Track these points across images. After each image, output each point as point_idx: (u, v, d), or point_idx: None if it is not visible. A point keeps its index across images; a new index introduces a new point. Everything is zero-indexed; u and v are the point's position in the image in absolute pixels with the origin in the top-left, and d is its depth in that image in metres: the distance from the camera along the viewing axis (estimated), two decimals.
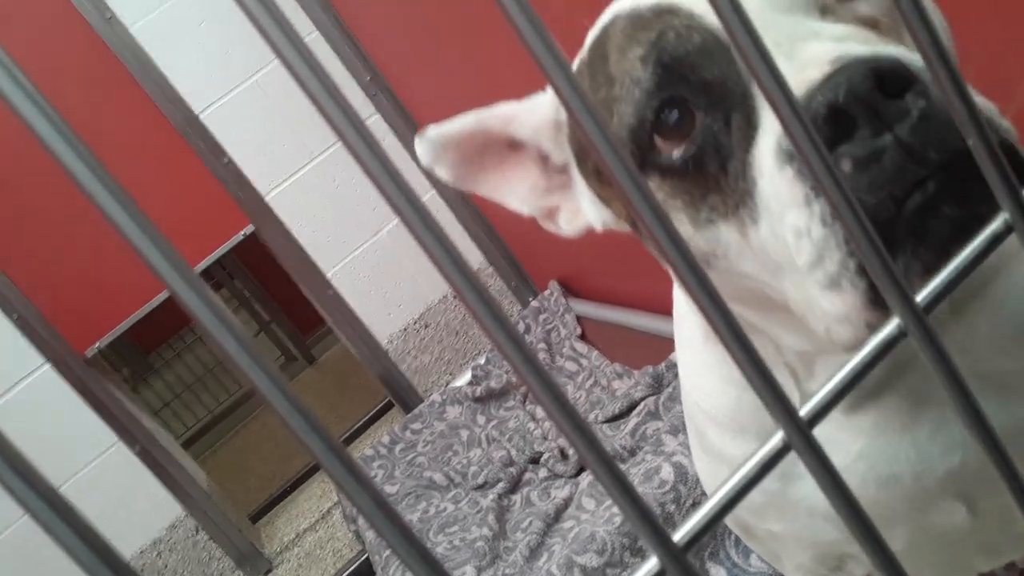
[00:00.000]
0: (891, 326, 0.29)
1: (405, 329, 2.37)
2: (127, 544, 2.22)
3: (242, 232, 2.25)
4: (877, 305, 0.37)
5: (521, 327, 2.10)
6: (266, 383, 0.21)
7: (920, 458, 0.49)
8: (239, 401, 3.80)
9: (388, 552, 1.57)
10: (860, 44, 0.39)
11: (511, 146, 0.58)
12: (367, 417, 2.79)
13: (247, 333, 0.21)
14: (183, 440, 3.34)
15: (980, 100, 0.37)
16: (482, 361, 2.17)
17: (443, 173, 0.57)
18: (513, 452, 1.75)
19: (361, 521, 1.76)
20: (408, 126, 2.20)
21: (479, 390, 2.02)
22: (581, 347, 1.94)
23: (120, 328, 2.22)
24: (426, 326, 2.39)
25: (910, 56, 0.37)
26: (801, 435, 0.27)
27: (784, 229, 0.39)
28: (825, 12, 0.43)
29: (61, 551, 0.18)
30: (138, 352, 4.05)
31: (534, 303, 2.15)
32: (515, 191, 0.59)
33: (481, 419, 1.98)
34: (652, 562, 0.26)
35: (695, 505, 1.23)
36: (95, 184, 0.20)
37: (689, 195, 0.45)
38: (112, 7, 2.03)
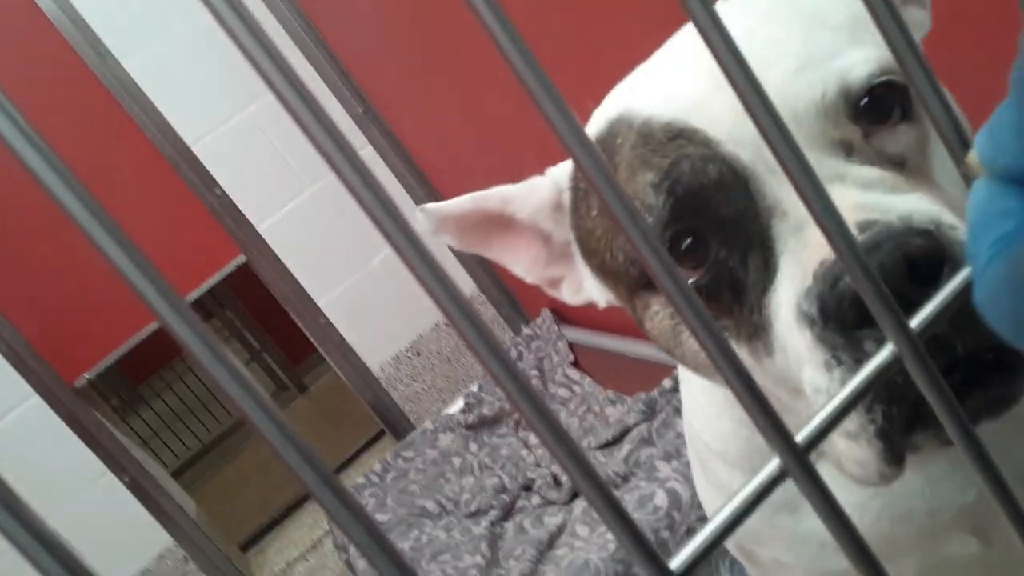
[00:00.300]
0: (883, 354, 0.29)
1: (397, 357, 2.37)
2: (116, 574, 2.19)
3: (233, 262, 2.25)
4: (892, 462, 0.37)
5: (513, 354, 2.09)
6: (257, 413, 0.21)
7: (935, 495, 0.49)
8: (229, 431, 3.77)
9: None
10: (888, 193, 0.38)
11: (511, 223, 0.57)
12: (359, 446, 2.78)
13: (238, 363, 0.21)
14: (173, 470, 3.30)
15: (928, 207, 0.37)
16: (474, 388, 2.16)
17: (447, 241, 0.57)
18: (506, 479, 1.74)
19: (352, 550, 1.74)
20: (400, 157, 2.21)
21: (471, 417, 2.01)
22: (574, 374, 1.94)
23: (109, 358, 2.21)
24: (418, 354, 2.39)
25: (943, 219, 0.36)
26: (798, 461, 0.27)
27: (801, 377, 0.39)
28: (851, 151, 0.41)
29: None
30: (128, 383, 4.02)
31: (526, 330, 2.15)
32: (519, 261, 0.59)
33: (473, 446, 1.97)
34: None
35: (690, 531, 1.23)
36: (85, 215, 0.20)
37: None
38: (105, 42, 2.04)
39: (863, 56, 0.41)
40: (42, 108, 2.01)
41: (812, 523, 0.53)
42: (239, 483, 3.23)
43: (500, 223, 0.57)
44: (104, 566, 2.17)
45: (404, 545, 1.67)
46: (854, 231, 0.34)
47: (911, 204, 0.37)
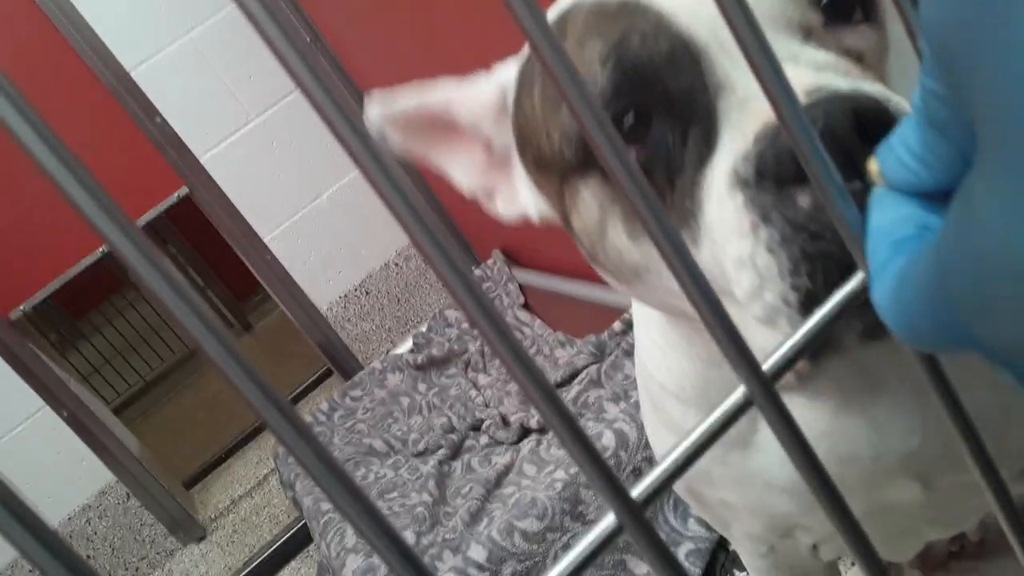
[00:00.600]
0: (854, 281, 0.29)
1: (345, 296, 2.34)
2: (54, 510, 2.17)
3: (175, 194, 2.18)
4: (799, 298, 0.36)
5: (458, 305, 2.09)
6: (212, 343, 0.20)
7: (880, 439, 0.49)
8: (172, 367, 3.72)
9: (326, 518, 1.56)
10: (840, 77, 0.37)
11: (453, 127, 0.55)
12: (305, 385, 2.76)
13: (192, 292, 0.19)
14: (114, 406, 3.25)
15: (880, 88, 0.36)
16: (424, 329, 2.16)
17: (392, 142, 0.56)
18: (454, 419, 1.75)
19: (299, 487, 1.74)
20: (350, 89, 2.16)
21: (420, 358, 2.01)
22: (524, 316, 1.94)
23: (46, 290, 2.14)
24: (367, 293, 2.36)
25: (893, 99, 0.35)
26: (763, 389, 0.27)
27: (725, 258, 0.37)
28: (808, 36, 0.40)
29: None
30: (67, 317, 3.92)
31: (477, 272, 2.14)
32: (458, 165, 0.58)
33: (422, 387, 1.97)
34: (609, 519, 0.25)
35: (636, 471, 1.25)
36: (27, 132, 0.18)
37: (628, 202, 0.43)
38: None
39: None
40: None
41: (760, 461, 0.53)
42: (183, 420, 3.20)
43: (442, 126, 0.56)
44: (43, 502, 2.14)
45: None
46: (802, 98, 0.34)
47: (863, 83, 0.36)
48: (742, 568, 1.16)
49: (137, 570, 2.29)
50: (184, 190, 2.17)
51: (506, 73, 0.52)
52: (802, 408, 0.50)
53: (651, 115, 0.41)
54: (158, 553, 2.31)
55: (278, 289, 2.27)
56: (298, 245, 2.26)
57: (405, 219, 0.22)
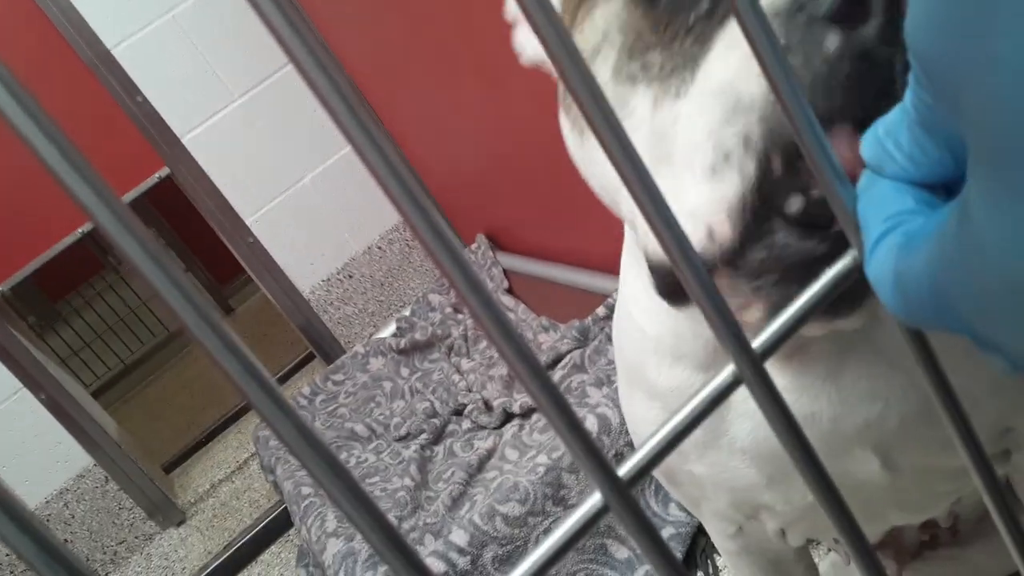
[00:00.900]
0: (846, 259, 0.28)
1: (328, 279, 2.33)
2: (32, 493, 2.15)
3: (156, 175, 2.15)
4: (738, 218, 0.35)
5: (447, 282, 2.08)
6: (197, 321, 0.19)
7: (841, 400, 0.48)
8: (152, 351, 3.70)
9: (307, 502, 1.55)
10: None
11: None
12: (287, 368, 2.75)
13: (178, 269, 0.19)
14: (93, 390, 3.23)
15: None
16: (407, 313, 2.15)
17: None
18: (437, 404, 1.74)
19: (279, 471, 1.73)
20: (337, 67, 2.13)
21: (403, 342, 2.00)
22: (508, 301, 1.94)
23: (25, 270, 2.11)
24: (350, 276, 2.35)
25: None
26: (753, 368, 0.27)
27: (708, 103, 0.35)
28: None
29: None
30: (45, 299, 3.89)
31: None
32: None
33: (405, 371, 1.97)
34: (595, 498, 0.25)
35: (618, 456, 1.25)
36: (9, 102, 0.17)
37: (637, 35, 0.40)
38: None
39: None
40: None
41: (730, 424, 0.52)
42: (162, 404, 3.18)
43: None
44: (20, 485, 2.12)
45: None
46: None
47: None
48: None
49: (115, 554, 2.28)
50: (165, 171, 2.14)
51: None
52: (769, 365, 0.49)
53: None
54: (137, 537, 2.29)
55: (260, 272, 2.25)
56: (280, 228, 2.24)
57: (395, 193, 0.21)
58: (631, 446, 1.25)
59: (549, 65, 0.49)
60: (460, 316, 2.02)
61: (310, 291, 2.30)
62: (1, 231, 2.07)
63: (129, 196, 2.13)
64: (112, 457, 2.20)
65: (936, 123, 0.22)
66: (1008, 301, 0.19)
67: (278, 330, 2.60)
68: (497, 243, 2.10)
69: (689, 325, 0.51)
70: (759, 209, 0.35)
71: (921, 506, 0.60)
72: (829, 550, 0.93)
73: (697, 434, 0.54)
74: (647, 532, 0.25)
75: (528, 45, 0.53)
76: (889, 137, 0.25)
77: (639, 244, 0.43)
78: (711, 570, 1.19)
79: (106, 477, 2.21)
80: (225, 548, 2.01)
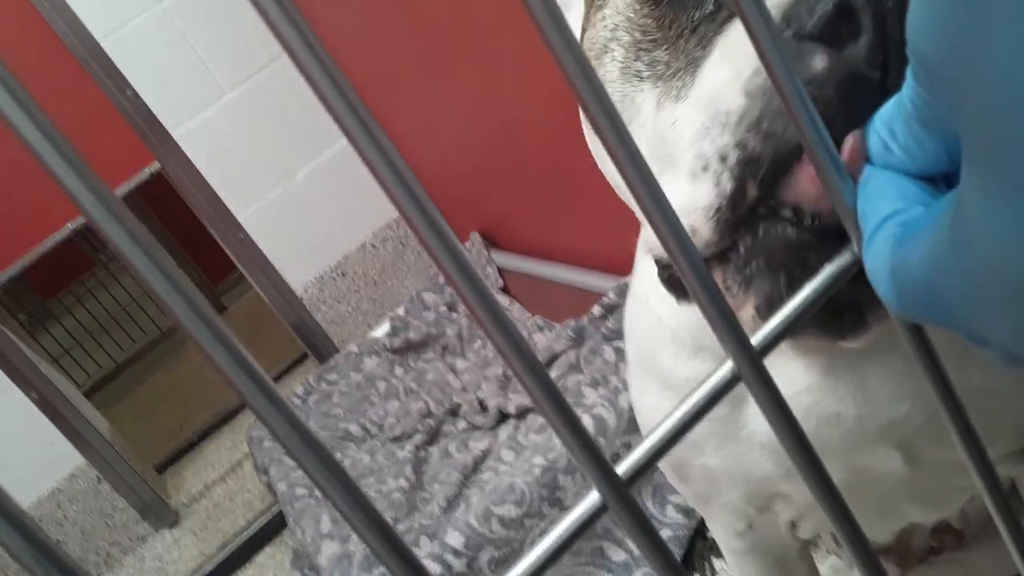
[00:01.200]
0: (844, 257, 0.28)
1: (321, 277, 2.32)
2: (23, 493, 2.13)
3: (147, 170, 2.14)
4: (723, 220, 0.35)
5: (442, 279, 2.07)
6: (191, 317, 0.19)
7: (866, 401, 0.48)
8: (144, 349, 3.68)
9: (301, 503, 1.54)
10: None
11: None
12: (280, 369, 2.74)
13: (172, 264, 0.18)
14: (85, 389, 3.21)
15: None
16: (401, 312, 2.14)
17: None
18: (431, 404, 1.74)
19: (273, 472, 1.72)
20: (331, 63, 2.12)
21: (397, 341, 1.99)
22: (503, 300, 1.93)
23: (15, 267, 2.10)
24: (343, 275, 2.34)
25: None
26: (752, 365, 0.26)
27: (702, 106, 0.36)
28: None
29: None
30: (36, 298, 3.87)
31: None
32: None
33: (399, 371, 1.96)
34: (593, 497, 0.25)
35: (615, 458, 1.24)
36: (2, 95, 0.17)
37: (643, 33, 0.40)
38: None
39: None
40: None
41: (747, 416, 0.52)
42: (155, 403, 3.16)
43: None
44: (12, 485, 2.11)
45: None
46: None
47: None
48: (720, 555, 1.17)
49: (108, 555, 2.27)
50: (155, 166, 2.13)
51: None
52: (792, 361, 0.49)
53: None
54: (129, 538, 2.28)
55: (252, 270, 2.24)
56: (273, 224, 2.23)
57: (392, 187, 0.20)
58: (629, 447, 1.24)
59: None
60: (455, 315, 2.01)
61: (303, 289, 2.29)
62: None
63: (119, 191, 2.12)
64: (105, 457, 2.19)
65: (932, 118, 0.22)
66: (1000, 296, 0.19)
67: (271, 329, 2.59)
68: (491, 241, 2.09)
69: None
70: (739, 212, 0.35)
71: (938, 501, 0.60)
72: (829, 553, 0.93)
73: (713, 427, 0.53)
74: (646, 531, 0.24)
75: None
76: (885, 128, 0.25)
77: (644, 239, 0.43)
78: (708, 573, 1.19)
79: (98, 477, 2.20)
80: (219, 550, 2.00)
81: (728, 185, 0.35)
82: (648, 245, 0.44)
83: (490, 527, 1.21)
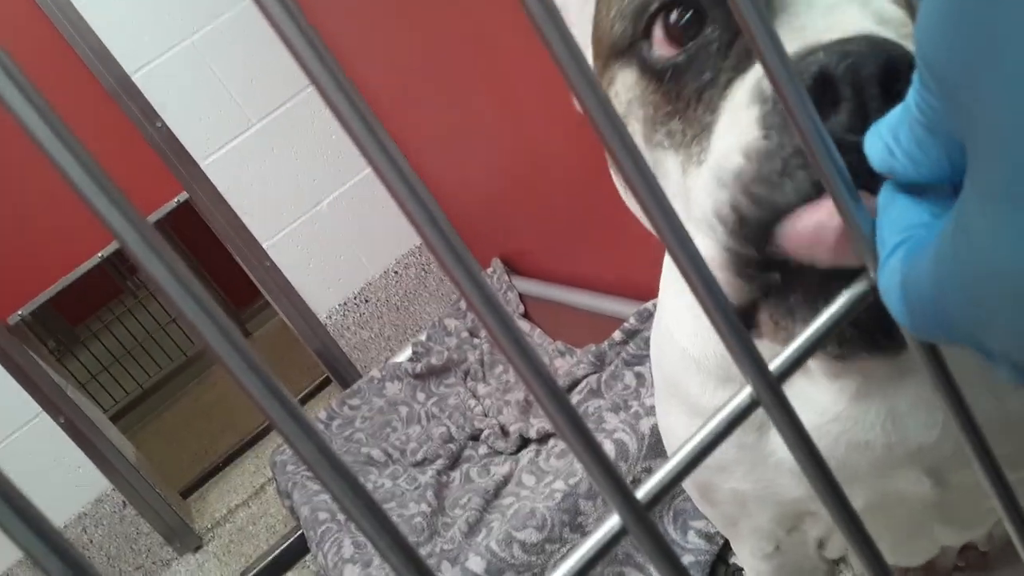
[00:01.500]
0: (861, 284, 0.29)
1: (344, 304, 2.34)
2: (50, 518, 2.15)
3: (175, 200, 2.18)
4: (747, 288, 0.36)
5: (463, 305, 2.08)
6: (221, 342, 0.20)
7: (896, 429, 0.48)
8: (170, 375, 3.71)
9: (323, 528, 1.55)
10: (902, 38, 0.35)
11: None
12: (304, 394, 2.75)
13: (202, 289, 0.19)
14: (111, 414, 3.24)
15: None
16: (423, 337, 2.15)
17: None
18: (453, 429, 1.74)
19: (296, 496, 1.73)
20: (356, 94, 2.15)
21: (419, 366, 2.00)
22: (524, 325, 1.94)
23: (45, 295, 2.13)
24: (366, 301, 2.36)
25: None
26: (770, 390, 0.27)
27: (713, 169, 0.37)
28: None
29: None
30: (65, 323, 3.92)
31: None
32: None
33: (421, 396, 1.96)
34: (614, 521, 0.25)
35: (635, 483, 1.24)
36: (39, 125, 0.18)
37: (655, 108, 0.42)
38: None
39: None
40: None
41: (774, 442, 0.52)
42: (180, 429, 3.18)
43: None
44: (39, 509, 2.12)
45: None
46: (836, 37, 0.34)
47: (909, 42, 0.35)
48: None
49: None
50: (184, 195, 2.17)
51: None
52: (822, 389, 0.49)
53: (707, 14, 0.39)
54: (154, 563, 2.29)
55: (277, 296, 2.26)
56: (297, 252, 2.26)
57: (415, 216, 0.21)
58: (650, 472, 1.24)
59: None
60: (476, 340, 2.02)
61: (327, 315, 2.31)
62: (21, 256, 2.10)
63: (150, 220, 2.15)
64: (130, 482, 2.20)
65: (937, 125, 0.22)
66: (1001, 300, 0.19)
67: (295, 354, 2.61)
68: (512, 267, 2.10)
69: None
70: (749, 263, 0.36)
71: (966, 522, 0.59)
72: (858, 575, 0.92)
73: (741, 453, 0.53)
74: (666, 556, 0.25)
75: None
76: (890, 134, 0.25)
77: (667, 269, 0.44)
78: None
79: (124, 502, 2.22)
80: (242, 574, 2.01)
81: (728, 241, 0.36)
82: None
83: (511, 552, 1.21)
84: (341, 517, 1.53)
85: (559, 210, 1.72)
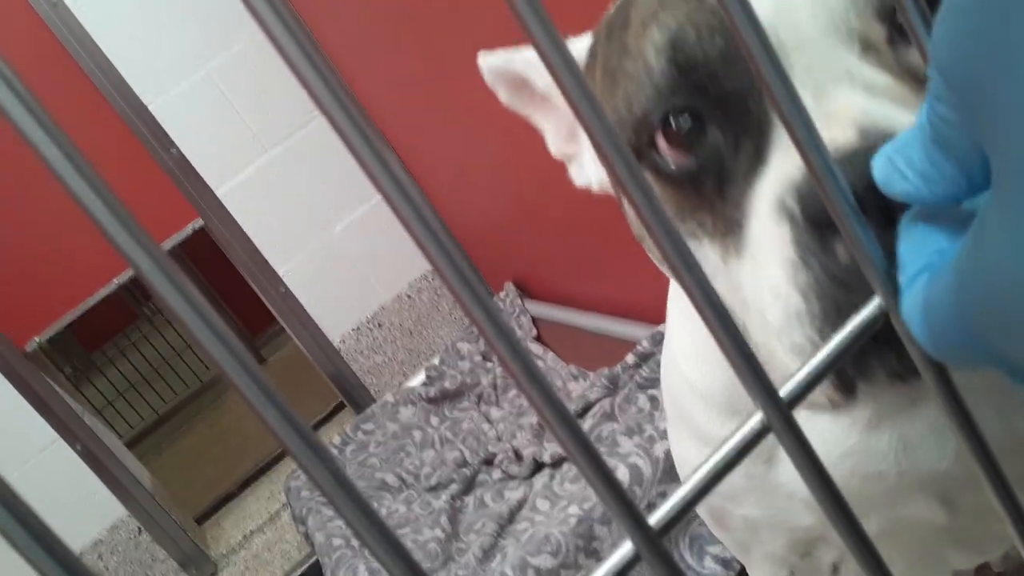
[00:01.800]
0: (871, 307, 0.29)
1: (358, 328, 2.34)
2: (67, 544, 2.15)
3: (190, 226, 2.20)
4: (843, 390, 0.36)
5: (475, 329, 2.08)
6: (236, 368, 0.20)
7: (908, 457, 0.48)
8: (186, 401, 3.72)
9: (338, 554, 1.54)
10: (895, 106, 0.36)
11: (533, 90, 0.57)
12: (318, 419, 2.75)
13: (216, 316, 0.19)
14: (127, 440, 3.25)
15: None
16: (436, 362, 2.15)
17: (500, 95, 0.58)
18: (467, 453, 1.74)
19: (311, 522, 1.73)
20: (363, 116, 2.17)
21: (433, 391, 2.00)
22: (536, 348, 1.93)
23: (62, 321, 2.15)
24: (379, 325, 2.36)
25: None
26: (781, 416, 0.27)
27: (763, 279, 0.37)
28: (867, 49, 0.38)
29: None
30: (81, 350, 3.94)
31: None
32: (550, 127, 0.59)
33: (434, 420, 1.96)
34: (627, 547, 0.25)
35: (650, 507, 1.23)
36: (55, 154, 0.18)
37: (678, 205, 0.42)
38: None
39: None
40: None
41: (784, 474, 0.52)
42: (195, 455, 3.19)
43: (528, 90, 0.57)
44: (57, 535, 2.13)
45: None
46: (853, 132, 0.34)
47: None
48: None
49: None
50: (199, 222, 2.19)
51: (579, 44, 0.51)
52: (833, 422, 0.49)
53: (706, 118, 0.40)
54: None
55: (291, 322, 2.27)
56: (311, 277, 2.27)
57: (425, 243, 0.22)
58: (664, 496, 1.23)
59: (609, 188, 0.52)
60: (489, 364, 2.02)
61: (340, 340, 2.32)
62: (38, 284, 2.12)
63: (164, 246, 2.18)
64: (146, 508, 2.21)
65: (952, 140, 0.22)
66: (1022, 318, 0.19)
67: (309, 380, 2.61)
68: (525, 291, 2.10)
69: (732, 375, 0.51)
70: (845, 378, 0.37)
71: (978, 546, 0.59)
72: None
73: (752, 482, 0.53)
74: None
75: (589, 175, 0.56)
76: (900, 156, 0.25)
77: (674, 299, 0.43)
78: None
79: (139, 528, 2.22)
80: None
81: (817, 302, 0.36)
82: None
83: None
84: (356, 543, 1.53)
85: (571, 234, 1.72)
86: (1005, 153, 0.19)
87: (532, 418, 1.72)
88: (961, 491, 0.49)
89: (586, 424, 1.50)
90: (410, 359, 2.40)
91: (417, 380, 2.14)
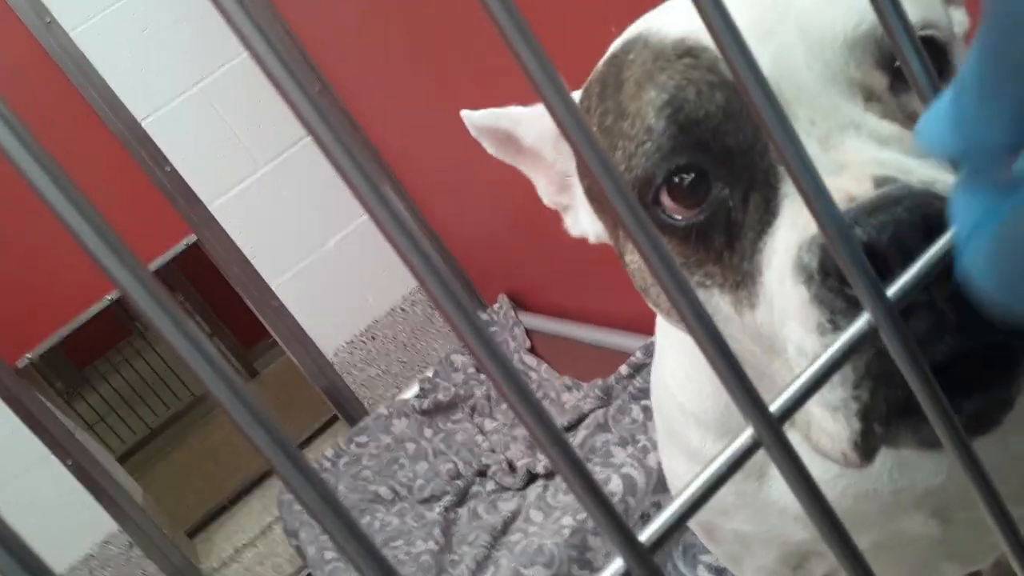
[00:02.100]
0: (861, 321, 0.29)
1: (351, 342, 2.34)
2: (58, 560, 2.14)
3: (184, 242, 2.20)
4: (863, 449, 0.35)
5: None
6: (221, 387, 0.20)
7: (903, 475, 0.48)
8: (176, 416, 3.71)
9: (330, 567, 1.54)
10: (903, 154, 0.35)
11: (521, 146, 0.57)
12: (311, 432, 2.75)
13: (202, 335, 0.19)
14: (119, 455, 3.23)
15: (948, 177, 0.34)
16: (430, 374, 2.15)
17: (487, 147, 0.59)
18: (460, 465, 1.73)
19: (303, 535, 1.72)
20: (358, 137, 2.18)
21: (426, 403, 2.00)
22: (530, 360, 1.93)
23: (53, 338, 2.15)
24: (373, 338, 2.36)
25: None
26: (771, 431, 0.27)
27: (786, 334, 0.37)
28: (870, 99, 0.38)
29: None
30: (72, 365, 3.92)
31: (483, 316, 2.14)
32: (538, 181, 0.59)
33: (428, 432, 1.96)
34: (617, 563, 0.25)
35: (644, 517, 1.23)
36: (39, 174, 0.18)
37: (686, 259, 0.42)
38: (52, 10, 1.97)
39: (908, 2, 0.39)
40: None
41: (775, 490, 0.52)
42: (186, 469, 3.18)
43: (516, 144, 0.57)
44: (46, 551, 2.11)
45: None
46: (869, 185, 0.34)
47: (932, 171, 0.34)
48: None
49: None
50: (192, 237, 2.19)
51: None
52: None
53: (710, 173, 0.40)
54: None
55: (285, 335, 2.27)
56: (304, 291, 2.27)
57: (412, 261, 0.22)
58: (658, 507, 1.23)
59: (605, 238, 0.52)
60: (483, 376, 2.02)
61: (334, 353, 2.32)
62: (29, 300, 2.11)
63: (158, 262, 2.18)
64: (137, 523, 2.19)
65: (1002, 83, 0.21)
66: None
67: (302, 393, 2.61)
68: (519, 303, 2.11)
69: (725, 396, 0.51)
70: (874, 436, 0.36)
71: (971, 557, 0.59)
72: None
73: (743, 499, 0.53)
74: None
75: (585, 227, 0.57)
76: (949, 112, 0.23)
77: (661, 325, 0.43)
78: None
79: (131, 543, 2.20)
80: None
81: (857, 425, 0.36)
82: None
83: None
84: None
85: (565, 246, 1.72)
86: None
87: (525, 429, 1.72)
88: (955, 505, 0.49)
89: (580, 435, 1.50)
90: (404, 372, 2.40)
91: (411, 392, 2.14)
